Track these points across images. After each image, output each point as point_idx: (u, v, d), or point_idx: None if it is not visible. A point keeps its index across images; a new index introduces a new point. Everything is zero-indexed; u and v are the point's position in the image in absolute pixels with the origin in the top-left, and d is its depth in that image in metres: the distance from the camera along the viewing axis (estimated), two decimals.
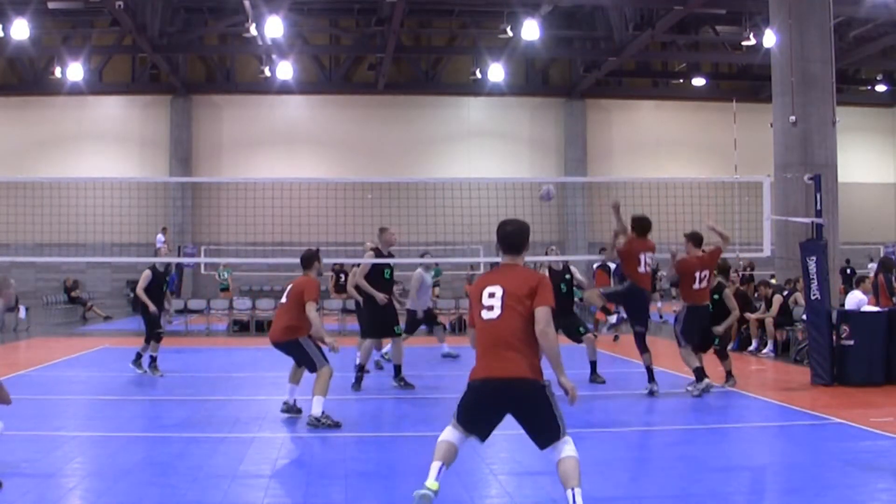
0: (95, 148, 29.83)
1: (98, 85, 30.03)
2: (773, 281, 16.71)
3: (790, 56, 14.94)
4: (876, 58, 29.78)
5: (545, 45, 27.84)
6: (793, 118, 14.66)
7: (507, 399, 5.02)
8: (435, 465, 5.05)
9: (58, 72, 28.94)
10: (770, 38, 17.21)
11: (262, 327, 20.15)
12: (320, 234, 19.46)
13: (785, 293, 14.95)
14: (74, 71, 27.83)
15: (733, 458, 7.26)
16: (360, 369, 10.88)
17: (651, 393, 10.20)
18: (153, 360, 12.02)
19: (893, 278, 13.01)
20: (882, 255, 27.39)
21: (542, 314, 4.98)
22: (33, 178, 24.35)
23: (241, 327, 20.87)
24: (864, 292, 12.20)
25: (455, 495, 5.80)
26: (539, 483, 6.40)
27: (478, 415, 5.13)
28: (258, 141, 30.50)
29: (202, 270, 29.26)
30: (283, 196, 17.40)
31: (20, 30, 23.86)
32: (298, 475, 6.67)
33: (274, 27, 24.33)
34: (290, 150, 30.69)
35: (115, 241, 22.53)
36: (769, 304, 15.11)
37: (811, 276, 11.24)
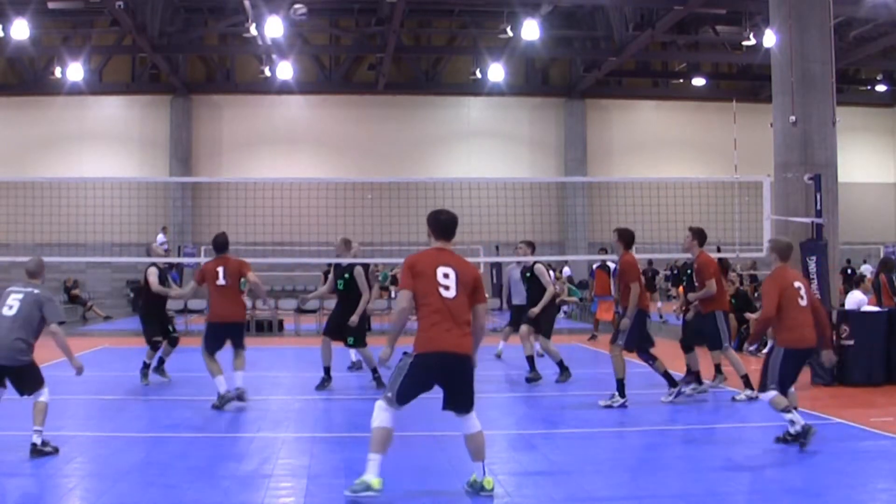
0: (95, 148, 29.78)
1: (98, 85, 29.99)
2: None
3: (790, 56, 14.90)
4: (876, 58, 29.75)
5: (545, 45, 27.83)
6: (793, 118, 14.63)
7: (453, 370, 5.63)
8: (376, 459, 5.54)
9: (58, 72, 28.91)
10: (770, 38, 17.18)
11: (261, 327, 20.17)
12: (320, 234, 19.43)
13: None
14: (74, 71, 27.80)
15: (733, 458, 7.26)
16: (329, 371, 10.89)
17: (680, 393, 9.86)
18: (146, 366, 11.73)
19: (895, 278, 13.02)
20: (882, 255, 27.40)
21: (482, 310, 5.86)
22: (33, 178, 24.31)
23: None
24: (864, 292, 12.21)
25: (455, 494, 5.80)
26: (539, 483, 6.41)
27: (420, 387, 5.65)
28: (258, 141, 30.48)
29: None
30: (283, 196, 17.40)
31: (20, 30, 23.84)
32: (298, 475, 6.67)
33: (274, 27, 24.32)
34: (290, 150, 30.65)
35: (115, 241, 22.52)
36: None
37: (811, 276, 11.24)
